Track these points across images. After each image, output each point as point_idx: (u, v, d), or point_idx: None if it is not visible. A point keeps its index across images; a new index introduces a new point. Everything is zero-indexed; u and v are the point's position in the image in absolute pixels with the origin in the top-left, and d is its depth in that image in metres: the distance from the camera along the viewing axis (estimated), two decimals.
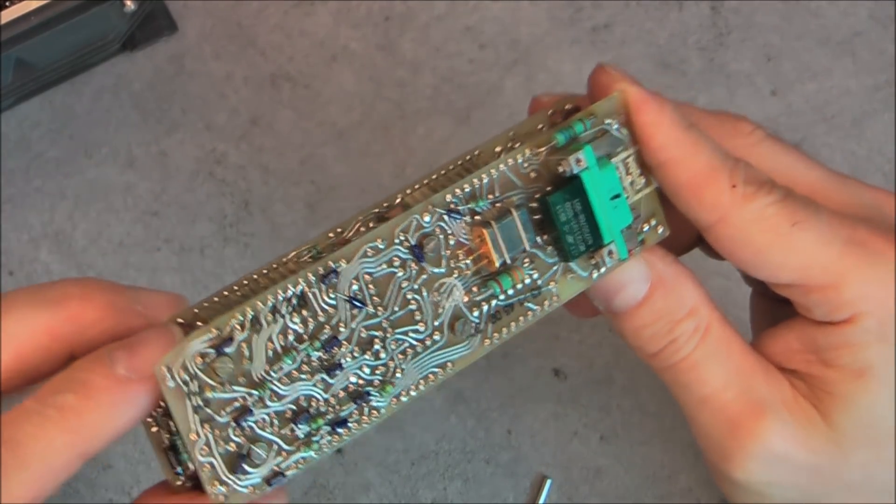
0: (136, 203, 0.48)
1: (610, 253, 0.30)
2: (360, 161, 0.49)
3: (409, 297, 0.28)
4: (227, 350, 0.26)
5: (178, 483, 0.29)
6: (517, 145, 0.31)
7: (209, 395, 0.26)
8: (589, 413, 0.44)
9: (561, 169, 0.29)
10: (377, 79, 0.51)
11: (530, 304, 0.30)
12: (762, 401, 0.31)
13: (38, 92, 0.50)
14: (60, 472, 0.25)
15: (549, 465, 0.43)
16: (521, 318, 0.30)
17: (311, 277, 0.27)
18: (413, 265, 0.28)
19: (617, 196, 0.30)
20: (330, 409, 0.28)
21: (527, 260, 0.30)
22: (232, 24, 0.52)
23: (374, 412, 0.28)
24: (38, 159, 0.49)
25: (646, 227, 0.31)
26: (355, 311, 0.28)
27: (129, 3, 0.47)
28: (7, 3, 0.44)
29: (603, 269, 0.30)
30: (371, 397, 0.28)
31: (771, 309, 0.35)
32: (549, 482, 0.43)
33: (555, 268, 0.30)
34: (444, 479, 0.43)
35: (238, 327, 0.27)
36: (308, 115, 0.50)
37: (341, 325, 0.28)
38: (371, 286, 0.28)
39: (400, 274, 0.28)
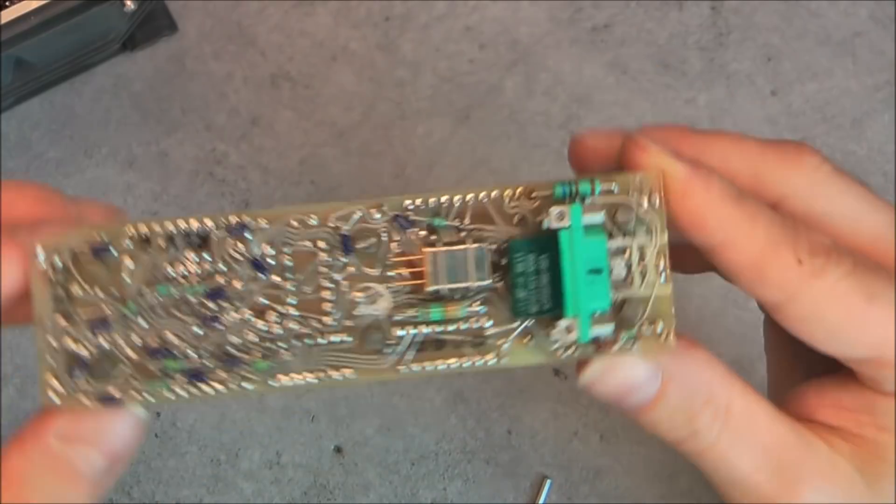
0: (136, 203, 0.48)
1: (568, 329, 0.26)
2: (360, 161, 0.49)
3: (324, 284, 0.27)
4: (106, 255, 0.26)
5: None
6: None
7: (74, 291, 0.26)
8: (589, 413, 0.44)
9: (539, 219, 0.27)
10: (377, 79, 0.51)
11: (468, 350, 0.27)
12: (797, 477, 0.29)
13: (38, 92, 0.50)
14: None
15: (549, 465, 0.43)
16: (452, 361, 0.27)
17: (222, 221, 0.26)
18: (340, 256, 0.27)
19: (598, 271, 0.26)
20: (194, 357, 0.26)
21: (477, 303, 0.27)
22: (232, 24, 0.52)
23: (244, 382, 0.26)
24: (38, 159, 0.49)
25: (645, 330, 0.28)
26: (258, 275, 0.26)
27: (129, 3, 0.47)
28: (7, 3, 0.44)
29: (559, 348, 0.27)
30: (243, 366, 0.26)
31: (793, 360, 0.33)
32: (549, 482, 0.43)
33: (514, 325, 0.27)
34: (444, 479, 0.43)
35: (128, 240, 0.26)
36: (308, 115, 0.50)
37: (237, 282, 0.26)
38: (288, 259, 0.26)
39: (323, 257, 0.27)
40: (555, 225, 0.26)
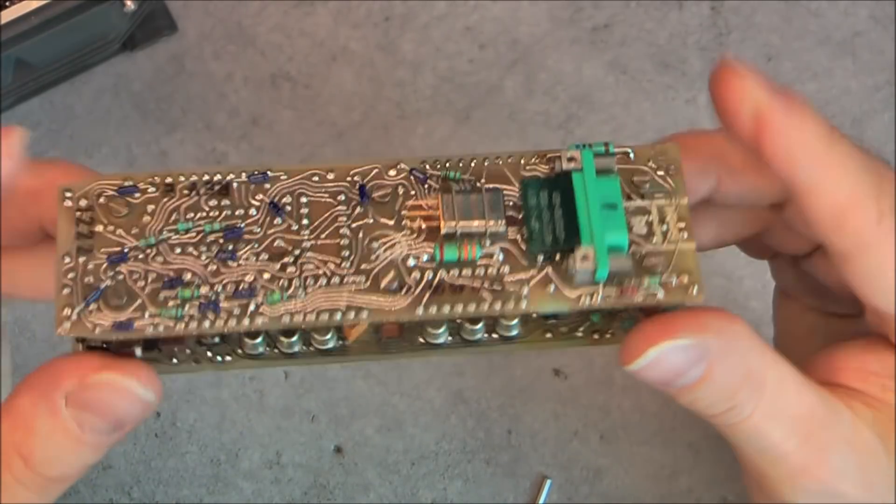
0: None
1: (584, 258, 0.26)
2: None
3: (342, 231, 0.27)
4: (129, 197, 0.27)
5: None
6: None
7: (97, 228, 0.27)
8: (589, 413, 0.44)
9: (551, 166, 0.27)
10: (377, 79, 0.51)
11: (486, 296, 0.27)
12: (824, 444, 0.29)
13: (38, 92, 0.50)
14: None
15: (549, 465, 0.43)
16: (471, 305, 0.27)
17: (242, 173, 0.27)
18: (357, 207, 0.27)
19: (612, 206, 0.26)
20: (208, 289, 0.27)
21: (494, 249, 0.27)
22: (232, 24, 0.52)
23: (258, 317, 0.26)
24: (38, 159, 0.49)
25: (673, 281, 0.28)
26: (276, 221, 0.27)
27: (129, 3, 0.47)
28: (7, 3, 0.44)
29: (580, 295, 0.27)
30: (256, 298, 0.26)
31: (807, 320, 0.34)
32: (549, 482, 0.43)
33: (532, 273, 0.27)
34: (444, 479, 0.43)
35: (151, 186, 0.27)
36: (308, 115, 0.50)
37: (255, 224, 0.27)
38: (305, 209, 0.27)
39: (340, 208, 0.27)
40: (566, 167, 0.27)
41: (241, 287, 0.27)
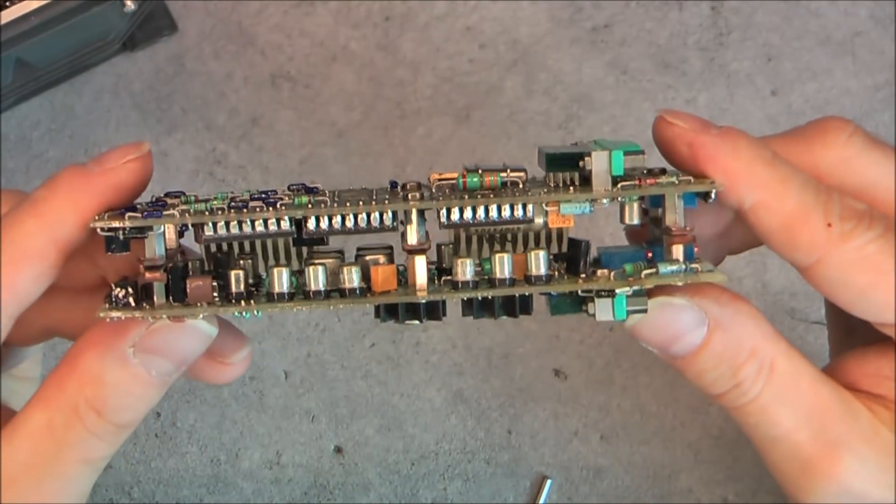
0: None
1: (599, 159, 0.28)
2: (360, 161, 0.49)
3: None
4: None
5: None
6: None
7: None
8: (589, 413, 0.44)
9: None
10: (377, 79, 0.51)
11: (509, 193, 0.29)
12: (838, 439, 0.29)
13: (38, 92, 0.50)
14: (36, 258, 0.27)
15: (549, 465, 0.43)
16: (495, 202, 0.28)
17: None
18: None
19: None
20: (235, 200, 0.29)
21: (517, 175, 0.29)
22: (232, 24, 0.52)
23: (283, 219, 0.28)
24: (38, 159, 0.49)
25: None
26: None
27: (129, 3, 0.47)
28: (7, 3, 0.44)
29: (595, 180, 0.28)
30: (282, 202, 0.28)
31: (850, 326, 0.33)
32: (549, 482, 0.43)
33: (551, 185, 0.29)
34: (444, 479, 0.43)
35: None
36: (308, 115, 0.50)
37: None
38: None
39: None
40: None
41: (268, 196, 0.28)
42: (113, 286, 0.28)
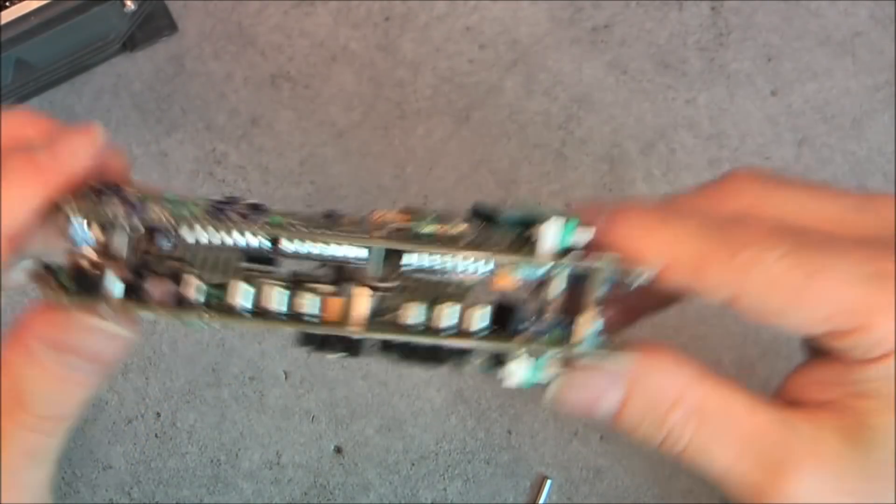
0: None
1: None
2: (360, 161, 0.49)
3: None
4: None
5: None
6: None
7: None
8: None
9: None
10: (377, 79, 0.51)
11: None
12: (782, 460, 0.29)
13: (38, 92, 0.50)
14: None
15: (549, 465, 0.43)
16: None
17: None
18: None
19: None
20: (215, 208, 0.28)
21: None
22: (232, 24, 0.52)
23: (259, 233, 0.28)
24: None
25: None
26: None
27: (129, 3, 0.47)
28: (7, 3, 0.44)
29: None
30: (260, 217, 0.28)
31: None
32: (549, 482, 0.43)
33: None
34: (444, 480, 0.43)
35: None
36: (308, 115, 0.50)
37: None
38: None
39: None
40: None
41: (247, 205, 0.28)
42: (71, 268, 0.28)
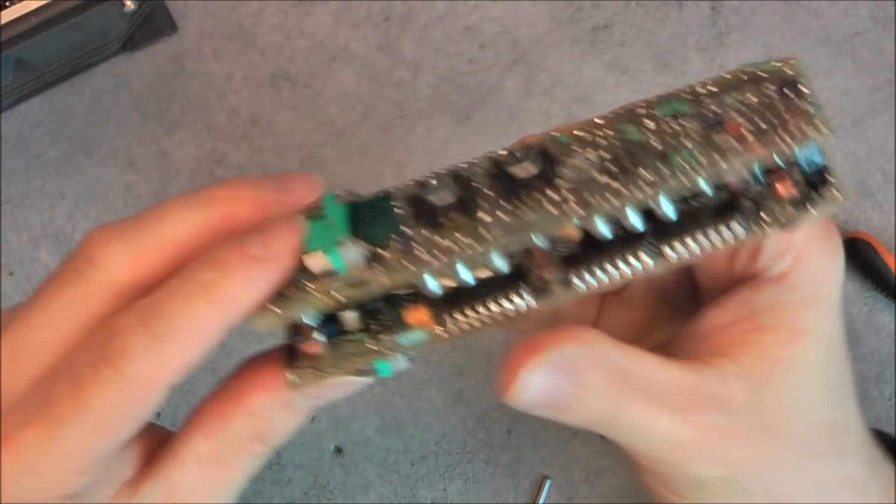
0: (136, 203, 0.48)
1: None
2: (360, 161, 0.49)
3: None
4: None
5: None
6: None
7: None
8: None
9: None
10: (377, 79, 0.51)
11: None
12: (699, 410, 0.30)
13: (38, 92, 0.50)
14: (206, 342, 0.28)
15: (549, 465, 0.43)
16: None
17: None
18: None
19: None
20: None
21: None
22: (232, 24, 0.52)
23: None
24: (38, 159, 0.49)
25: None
26: None
27: (129, 3, 0.47)
28: (7, 3, 0.44)
29: None
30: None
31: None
32: (549, 482, 0.43)
33: None
34: (444, 480, 0.43)
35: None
36: (308, 115, 0.50)
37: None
38: None
39: None
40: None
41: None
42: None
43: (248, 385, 0.31)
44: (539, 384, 0.29)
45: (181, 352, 0.28)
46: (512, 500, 0.43)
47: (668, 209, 0.29)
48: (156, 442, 0.32)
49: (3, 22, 0.44)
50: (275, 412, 0.30)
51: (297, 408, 0.31)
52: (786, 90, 0.29)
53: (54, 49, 0.47)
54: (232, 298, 0.28)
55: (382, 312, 0.30)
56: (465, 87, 0.51)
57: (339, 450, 0.44)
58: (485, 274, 0.29)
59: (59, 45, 0.47)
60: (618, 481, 0.43)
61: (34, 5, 0.44)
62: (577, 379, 0.29)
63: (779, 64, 0.29)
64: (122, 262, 0.29)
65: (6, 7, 0.44)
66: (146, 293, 0.28)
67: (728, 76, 0.30)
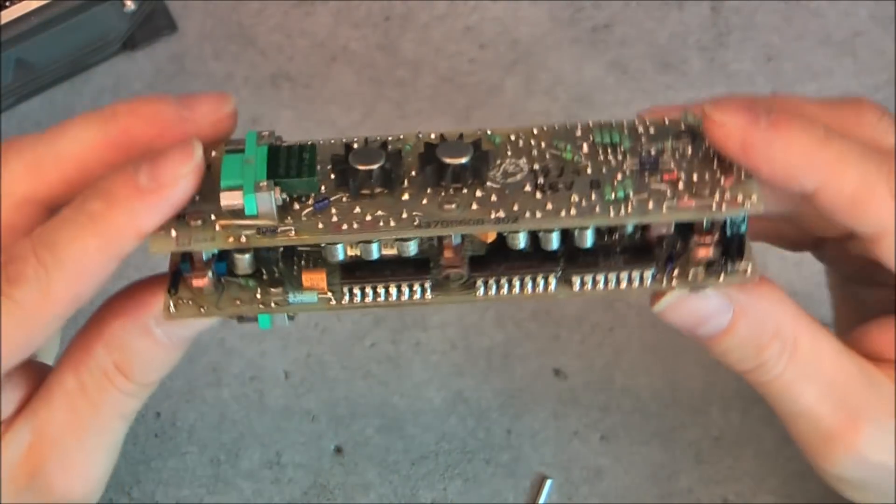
0: None
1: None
2: None
3: None
4: None
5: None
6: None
7: None
8: (589, 413, 0.44)
9: None
10: (377, 79, 0.51)
11: None
12: (859, 410, 0.30)
13: (38, 92, 0.50)
14: (95, 273, 0.28)
15: (549, 465, 0.43)
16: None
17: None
18: None
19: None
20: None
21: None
22: (232, 24, 0.52)
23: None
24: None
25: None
26: None
27: (129, 3, 0.47)
28: (7, 3, 0.44)
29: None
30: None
31: (861, 301, 0.35)
32: (549, 482, 0.43)
33: None
34: (444, 479, 0.43)
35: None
36: (308, 115, 0.50)
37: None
38: None
39: None
40: None
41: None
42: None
43: (109, 313, 0.30)
44: (687, 310, 0.30)
45: (68, 283, 0.28)
46: (512, 500, 0.43)
47: (588, 238, 0.29)
48: (40, 382, 0.31)
49: (3, 22, 0.44)
50: (133, 339, 0.29)
51: (157, 336, 0.30)
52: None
53: (54, 49, 0.47)
54: (119, 230, 0.27)
55: (278, 264, 0.30)
56: (465, 87, 0.51)
57: (339, 450, 0.44)
58: (391, 252, 0.29)
59: (59, 45, 0.47)
60: (618, 481, 0.43)
61: (34, 5, 0.44)
62: (728, 319, 0.30)
63: None
64: (18, 173, 0.29)
65: (6, 7, 0.44)
66: (53, 212, 0.28)
67: (669, 123, 0.30)
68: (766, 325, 0.30)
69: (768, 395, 0.31)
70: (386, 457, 0.44)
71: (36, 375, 0.31)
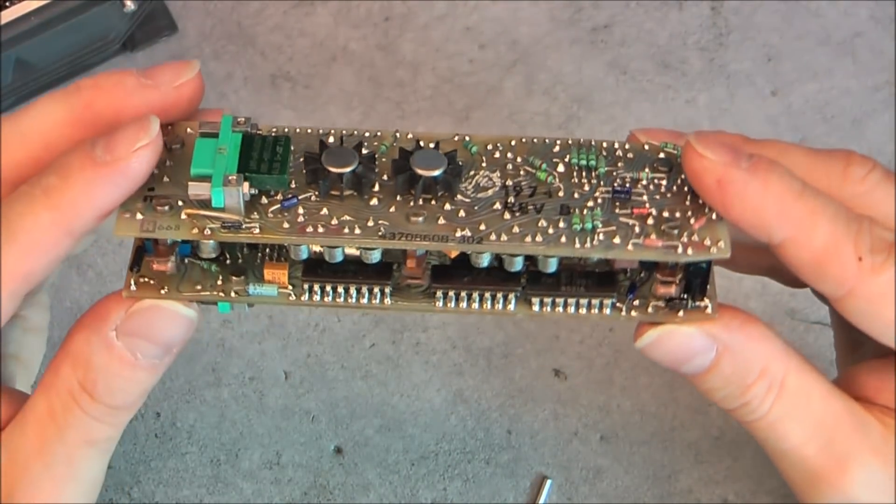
0: None
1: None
2: None
3: None
4: None
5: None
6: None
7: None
8: (589, 413, 0.44)
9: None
10: (377, 79, 0.51)
11: None
12: (846, 452, 0.30)
13: (38, 92, 0.50)
14: (49, 248, 0.27)
15: (549, 465, 0.43)
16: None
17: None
18: None
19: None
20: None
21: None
22: (232, 24, 0.52)
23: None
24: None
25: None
26: None
27: (129, 3, 0.47)
28: (7, 3, 0.44)
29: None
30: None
31: (857, 339, 0.34)
32: (549, 482, 0.43)
33: None
34: (444, 480, 0.43)
35: None
36: (308, 115, 0.50)
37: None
38: None
39: None
40: None
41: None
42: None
43: (75, 328, 0.29)
44: (669, 347, 0.30)
45: (19, 257, 0.27)
46: (512, 500, 0.43)
47: (551, 264, 0.29)
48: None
49: (3, 22, 0.44)
50: (94, 353, 0.28)
51: (118, 350, 0.28)
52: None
53: (54, 49, 0.47)
54: (73, 204, 0.27)
55: (243, 250, 0.30)
56: (465, 87, 0.51)
57: (339, 450, 0.44)
58: (355, 253, 0.29)
59: (59, 45, 0.47)
60: (618, 481, 0.43)
61: (34, 5, 0.44)
62: (711, 358, 0.30)
63: None
64: None
65: (6, 7, 0.44)
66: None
67: (648, 149, 0.30)
68: (752, 363, 0.30)
69: (755, 433, 0.31)
70: (386, 457, 0.44)
71: (17, 403, 0.30)
